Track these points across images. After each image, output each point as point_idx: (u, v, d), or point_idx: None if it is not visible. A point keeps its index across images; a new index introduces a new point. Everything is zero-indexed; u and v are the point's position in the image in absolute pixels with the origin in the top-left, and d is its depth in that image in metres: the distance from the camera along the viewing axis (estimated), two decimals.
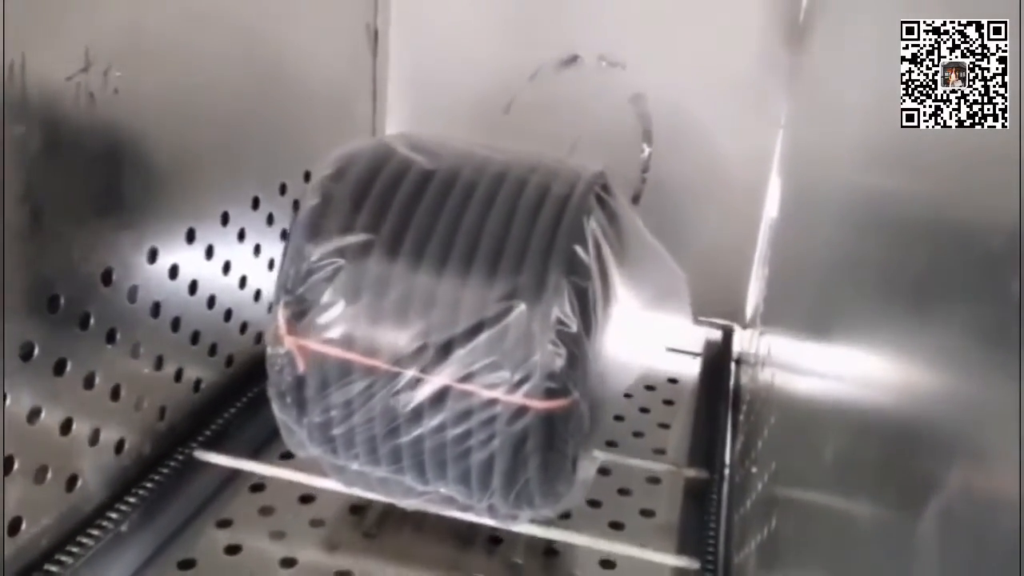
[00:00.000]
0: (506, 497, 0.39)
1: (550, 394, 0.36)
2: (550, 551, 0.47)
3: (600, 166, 0.42)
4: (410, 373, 0.36)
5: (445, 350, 0.36)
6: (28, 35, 0.34)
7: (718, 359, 0.65)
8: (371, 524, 0.47)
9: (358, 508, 0.48)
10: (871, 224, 0.27)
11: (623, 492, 0.52)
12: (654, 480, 0.53)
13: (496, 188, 0.39)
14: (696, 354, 0.67)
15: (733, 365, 0.64)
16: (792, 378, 0.38)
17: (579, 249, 0.37)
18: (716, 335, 0.67)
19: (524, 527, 0.43)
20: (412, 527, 0.47)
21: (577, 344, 0.36)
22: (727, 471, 0.52)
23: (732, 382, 0.62)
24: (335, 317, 0.37)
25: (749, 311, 0.66)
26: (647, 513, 0.50)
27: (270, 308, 0.57)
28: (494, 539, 0.47)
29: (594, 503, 0.50)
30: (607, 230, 0.39)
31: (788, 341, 0.41)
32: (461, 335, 0.36)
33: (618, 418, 0.59)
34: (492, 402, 0.36)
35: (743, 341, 0.66)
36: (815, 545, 0.26)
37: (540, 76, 0.65)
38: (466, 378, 0.36)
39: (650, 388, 0.63)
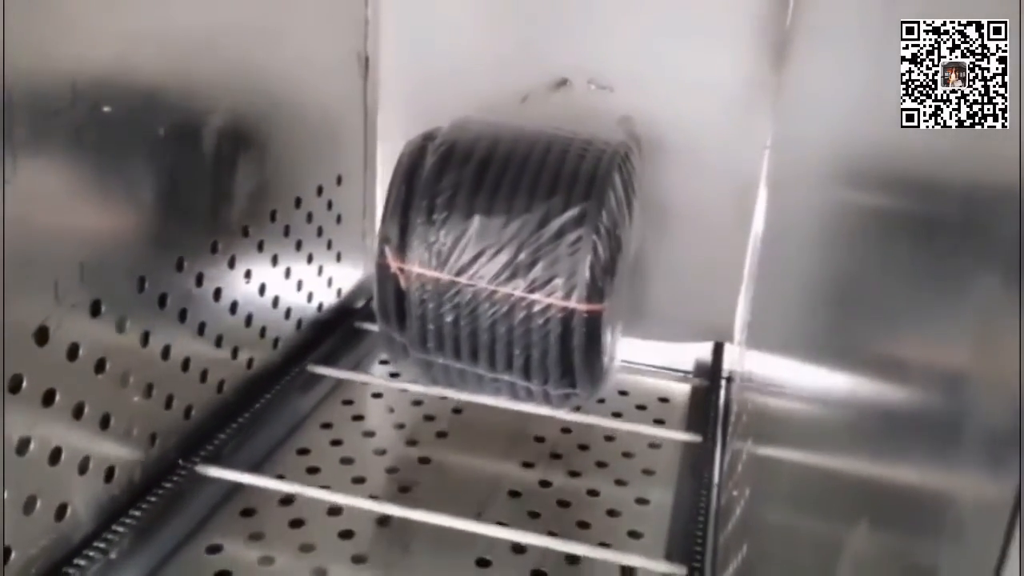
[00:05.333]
0: (558, 382, 0.51)
1: (591, 300, 0.49)
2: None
3: (624, 138, 0.55)
4: (488, 287, 0.49)
5: (514, 269, 0.49)
6: (13, 70, 0.34)
7: (708, 377, 0.65)
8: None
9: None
10: (845, 239, 0.28)
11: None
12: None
13: (546, 152, 0.52)
14: (686, 372, 0.67)
15: (723, 383, 0.64)
16: (778, 396, 0.38)
17: (610, 194, 0.50)
18: (706, 353, 0.67)
19: (567, 415, 0.56)
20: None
21: (608, 264, 0.49)
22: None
23: (722, 400, 0.62)
24: (431, 248, 0.50)
25: (738, 329, 0.66)
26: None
27: (223, 389, 0.57)
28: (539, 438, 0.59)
29: None
30: (625, 185, 0.52)
31: (775, 359, 0.42)
32: (526, 259, 0.49)
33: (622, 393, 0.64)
34: (548, 307, 0.49)
35: (733, 359, 0.66)
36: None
37: (530, 100, 0.65)
38: (530, 290, 0.49)
39: (641, 408, 0.63)
